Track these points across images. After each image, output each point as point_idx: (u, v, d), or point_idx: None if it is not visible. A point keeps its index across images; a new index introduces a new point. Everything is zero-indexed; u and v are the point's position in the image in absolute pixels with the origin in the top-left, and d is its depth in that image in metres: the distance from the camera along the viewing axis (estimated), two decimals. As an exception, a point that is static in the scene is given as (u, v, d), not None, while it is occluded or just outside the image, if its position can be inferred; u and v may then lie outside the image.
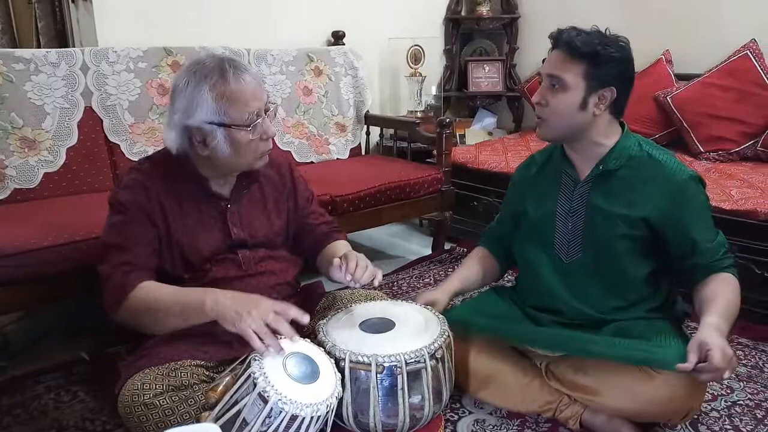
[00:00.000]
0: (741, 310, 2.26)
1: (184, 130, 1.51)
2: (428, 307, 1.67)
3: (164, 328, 1.49)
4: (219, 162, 1.56)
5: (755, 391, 1.89)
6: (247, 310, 1.35)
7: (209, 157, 1.54)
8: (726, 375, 1.41)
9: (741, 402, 1.84)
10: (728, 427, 1.72)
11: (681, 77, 3.27)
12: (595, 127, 1.64)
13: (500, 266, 1.97)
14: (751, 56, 3.01)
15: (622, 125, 1.70)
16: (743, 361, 2.07)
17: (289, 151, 2.98)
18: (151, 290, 1.49)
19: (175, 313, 1.45)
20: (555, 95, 1.61)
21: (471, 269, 1.92)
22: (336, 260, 1.58)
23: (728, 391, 1.89)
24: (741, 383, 1.94)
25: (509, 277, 2.37)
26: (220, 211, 1.64)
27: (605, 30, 1.62)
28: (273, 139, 1.64)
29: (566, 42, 1.59)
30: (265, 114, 1.55)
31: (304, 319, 1.40)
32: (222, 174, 1.62)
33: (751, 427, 1.72)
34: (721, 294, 1.58)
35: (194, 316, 1.43)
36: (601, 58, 1.56)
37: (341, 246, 1.79)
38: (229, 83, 1.47)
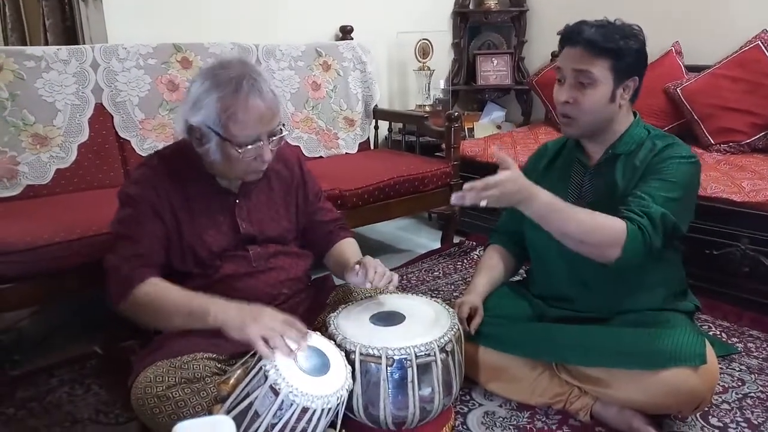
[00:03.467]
0: (751, 302, 2.31)
1: (186, 122, 1.51)
2: (438, 300, 1.68)
3: (165, 327, 1.50)
4: (212, 164, 1.55)
5: (767, 383, 1.88)
6: (253, 318, 1.35)
7: (204, 155, 1.54)
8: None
9: (752, 394, 1.83)
10: (739, 419, 1.72)
11: (691, 69, 3.24)
12: (617, 116, 1.66)
13: (517, 261, 1.97)
14: (762, 47, 2.98)
15: (634, 114, 1.72)
16: (754, 354, 2.06)
17: (298, 146, 2.99)
18: (158, 288, 1.48)
19: (178, 316, 1.45)
20: (584, 92, 1.60)
21: (495, 269, 1.90)
22: (355, 267, 1.59)
23: (739, 384, 1.88)
24: (752, 375, 1.93)
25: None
26: (229, 207, 1.65)
27: (615, 20, 1.62)
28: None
29: (587, 40, 1.57)
30: (269, 139, 1.52)
31: (310, 336, 1.41)
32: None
33: (762, 419, 1.72)
34: (584, 209, 1.53)
35: (197, 322, 1.43)
36: (623, 51, 1.57)
37: (348, 245, 1.80)
38: (238, 101, 1.45)
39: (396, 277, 1.61)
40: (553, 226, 1.53)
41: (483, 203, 1.44)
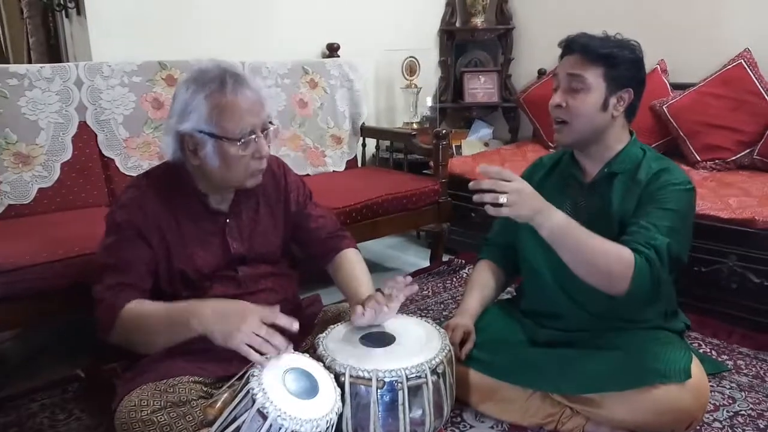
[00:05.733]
0: (741, 319, 2.31)
1: (176, 135, 1.49)
2: (429, 320, 1.66)
3: (154, 347, 1.47)
4: (209, 174, 1.53)
5: (757, 401, 1.88)
6: (236, 327, 1.31)
7: (200, 167, 1.52)
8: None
9: (743, 412, 1.82)
10: (731, 437, 1.71)
11: (676, 86, 3.27)
12: (611, 129, 1.67)
13: (507, 277, 1.96)
14: (745, 65, 3.02)
15: (630, 133, 1.73)
16: (744, 371, 2.06)
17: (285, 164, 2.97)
18: (138, 308, 1.45)
19: (162, 331, 1.42)
20: (576, 97, 1.63)
21: (486, 287, 1.89)
22: (357, 309, 1.54)
23: (730, 401, 1.88)
24: (743, 393, 1.92)
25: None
26: (219, 227, 1.62)
27: (615, 35, 1.66)
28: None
29: (582, 45, 1.62)
30: (263, 133, 1.52)
31: (294, 326, 1.37)
32: (217, 188, 1.60)
33: (753, 437, 1.71)
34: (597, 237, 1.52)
35: (181, 333, 1.40)
36: (617, 59, 1.60)
37: (355, 265, 1.74)
38: (226, 95, 1.45)
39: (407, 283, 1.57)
40: (566, 248, 1.51)
41: (502, 199, 1.43)
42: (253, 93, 1.49)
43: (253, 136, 1.49)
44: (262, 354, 1.30)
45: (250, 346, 1.30)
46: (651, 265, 1.49)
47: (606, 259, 1.49)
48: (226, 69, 1.50)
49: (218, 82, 1.46)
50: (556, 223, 1.49)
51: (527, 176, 1.89)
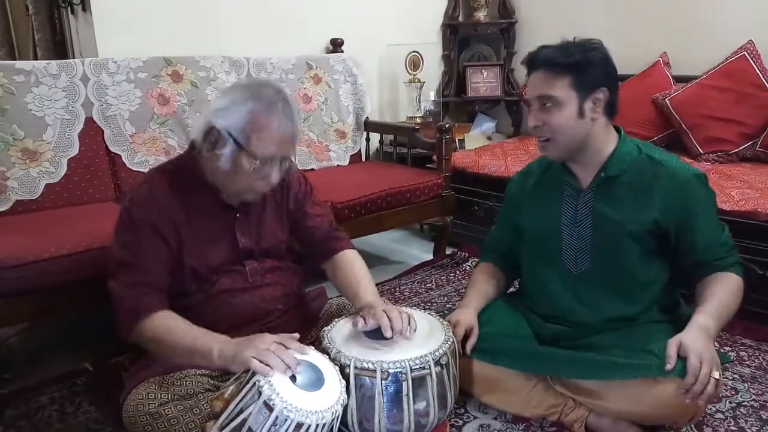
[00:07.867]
0: (743, 311, 2.28)
1: (208, 124, 1.52)
2: (432, 313, 1.67)
3: (168, 360, 1.49)
4: (215, 172, 1.55)
5: (760, 392, 1.89)
6: (248, 345, 1.35)
7: (210, 161, 1.54)
8: (702, 385, 1.43)
9: (746, 403, 1.83)
10: (733, 428, 1.72)
11: (679, 79, 3.27)
12: (594, 133, 1.64)
13: (508, 279, 1.97)
14: (748, 57, 3.02)
15: (618, 131, 1.70)
16: (747, 362, 2.07)
17: (290, 159, 2.99)
18: (165, 323, 1.47)
19: (182, 353, 1.44)
20: (550, 114, 1.61)
21: (488, 285, 1.89)
22: (359, 321, 1.55)
23: (733, 393, 1.89)
24: (745, 384, 1.93)
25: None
26: (229, 222, 1.65)
27: (573, 38, 1.64)
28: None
29: (545, 60, 1.60)
30: (279, 163, 1.54)
31: (305, 351, 1.40)
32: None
33: (756, 428, 1.72)
34: (718, 293, 1.60)
35: (200, 360, 1.43)
36: (583, 64, 1.57)
37: (355, 266, 1.77)
38: (270, 119, 1.48)
39: (412, 318, 1.58)
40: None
41: (716, 374, 1.47)
42: (291, 129, 1.53)
43: (269, 163, 1.52)
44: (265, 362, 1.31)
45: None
46: (741, 265, 1.66)
47: (736, 299, 1.63)
48: (282, 98, 1.52)
49: (268, 104, 1.49)
50: (715, 331, 1.56)
51: (517, 185, 1.90)
